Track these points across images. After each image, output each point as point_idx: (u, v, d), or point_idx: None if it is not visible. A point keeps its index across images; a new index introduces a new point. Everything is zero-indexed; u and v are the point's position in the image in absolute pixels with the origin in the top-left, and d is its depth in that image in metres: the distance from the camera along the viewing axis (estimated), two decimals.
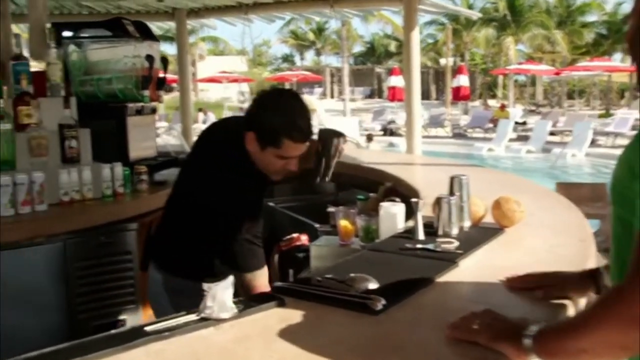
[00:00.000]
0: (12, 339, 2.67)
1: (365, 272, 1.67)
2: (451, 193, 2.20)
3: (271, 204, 3.60)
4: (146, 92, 3.58)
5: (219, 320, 1.43)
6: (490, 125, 20.31)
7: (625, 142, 3.82)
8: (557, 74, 26.34)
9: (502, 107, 22.85)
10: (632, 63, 1.21)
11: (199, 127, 20.73)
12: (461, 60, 32.94)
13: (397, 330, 1.42)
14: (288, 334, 1.38)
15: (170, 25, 8.17)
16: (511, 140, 17.89)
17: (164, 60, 3.83)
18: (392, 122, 21.80)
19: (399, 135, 18.95)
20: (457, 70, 23.32)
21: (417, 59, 5.82)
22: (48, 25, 3.67)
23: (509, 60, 32.83)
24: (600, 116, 22.33)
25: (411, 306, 1.54)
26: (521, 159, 16.12)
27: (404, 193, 3.16)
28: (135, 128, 3.64)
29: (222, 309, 1.44)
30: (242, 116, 2.25)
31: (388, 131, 21.23)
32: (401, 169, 3.93)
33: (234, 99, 34.13)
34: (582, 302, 1.55)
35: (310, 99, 12.84)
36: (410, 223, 2.25)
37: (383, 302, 1.48)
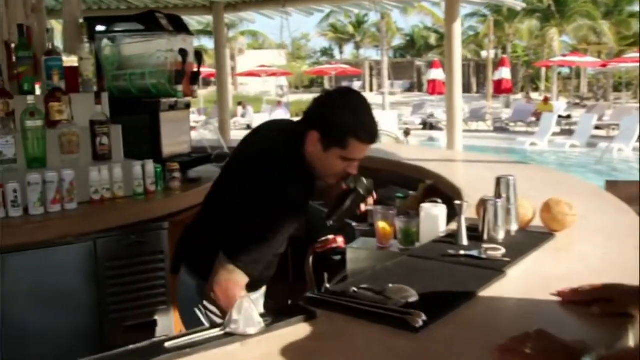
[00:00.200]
0: (42, 339, 2.63)
1: (405, 282, 1.56)
2: (497, 195, 2.06)
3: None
4: (179, 87, 3.51)
5: (245, 336, 1.33)
6: (533, 118, 19.88)
7: None
8: (604, 65, 25.63)
9: (546, 100, 22.40)
10: None
11: (237, 121, 20.91)
12: (503, 53, 32.35)
13: (438, 350, 1.31)
14: (318, 352, 1.29)
15: (210, 19, 8.13)
16: (555, 134, 17.42)
17: (198, 55, 3.74)
18: (431, 115, 21.62)
19: (439, 129, 18.72)
20: (498, 63, 22.92)
21: (458, 52, 5.71)
22: (81, 20, 3.61)
23: (553, 52, 32.13)
24: None
25: (454, 322, 1.42)
26: (565, 154, 15.69)
27: (445, 192, 3.05)
28: (169, 124, 3.57)
29: (249, 323, 1.34)
30: (289, 120, 2.12)
31: (428, 125, 21.05)
32: (442, 166, 3.84)
33: (273, 92, 34.24)
34: None
35: None
36: (453, 226, 2.13)
37: (423, 317, 1.37)
